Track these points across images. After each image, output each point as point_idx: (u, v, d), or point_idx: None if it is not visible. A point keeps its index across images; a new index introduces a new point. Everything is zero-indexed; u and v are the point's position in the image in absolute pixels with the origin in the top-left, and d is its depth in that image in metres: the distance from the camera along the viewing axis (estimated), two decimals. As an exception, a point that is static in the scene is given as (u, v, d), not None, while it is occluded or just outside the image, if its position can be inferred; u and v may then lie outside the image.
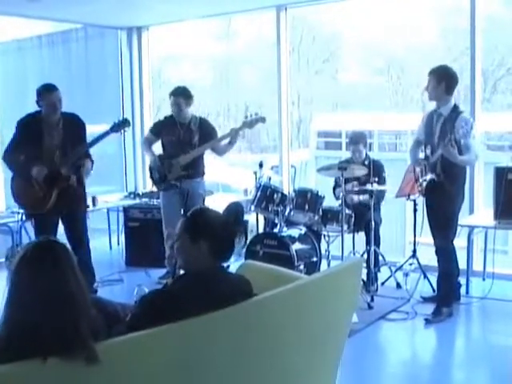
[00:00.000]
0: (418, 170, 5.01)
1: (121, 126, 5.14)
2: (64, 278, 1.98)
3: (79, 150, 4.97)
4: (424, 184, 4.93)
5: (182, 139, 5.81)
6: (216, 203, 6.65)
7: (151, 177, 6.05)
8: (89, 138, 5.20)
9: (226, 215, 2.69)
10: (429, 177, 4.85)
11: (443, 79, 4.81)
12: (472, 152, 4.79)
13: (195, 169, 5.84)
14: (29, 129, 5.05)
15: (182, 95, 5.79)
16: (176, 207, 5.76)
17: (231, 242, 2.55)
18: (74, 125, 5.12)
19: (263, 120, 5.72)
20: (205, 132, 5.86)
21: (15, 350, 1.85)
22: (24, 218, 5.64)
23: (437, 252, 5.01)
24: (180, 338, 2.16)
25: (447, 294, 5.03)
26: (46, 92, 5.01)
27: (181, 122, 5.84)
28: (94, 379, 1.92)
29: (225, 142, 5.84)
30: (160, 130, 6.00)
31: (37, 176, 4.95)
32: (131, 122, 8.40)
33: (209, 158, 6.12)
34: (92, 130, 5.44)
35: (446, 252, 4.96)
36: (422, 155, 5.04)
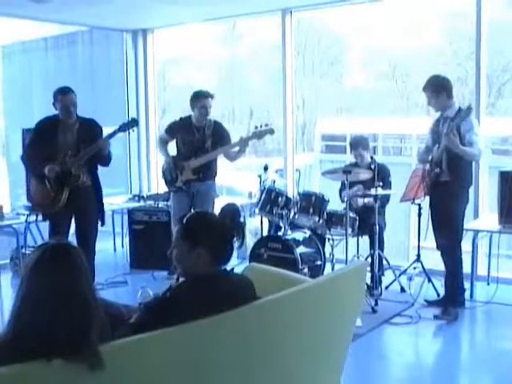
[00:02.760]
0: (424, 170, 5.04)
1: (129, 125, 5.20)
2: (79, 282, 2.00)
3: (90, 150, 5.00)
4: (429, 182, 4.95)
5: (196, 143, 5.88)
6: (221, 206, 6.67)
7: (164, 177, 6.10)
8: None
9: (221, 217, 2.63)
10: (433, 172, 4.88)
11: (443, 89, 4.90)
12: (475, 147, 4.81)
13: (206, 172, 5.91)
14: (45, 130, 5.15)
15: (212, 97, 5.84)
16: (185, 208, 5.82)
17: (229, 245, 2.52)
18: (90, 128, 5.16)
19: (272, 132, 5.76)
20: (218, 137, 5.91)
21: (23, 350, 1.85)
22: (40, 218, 5.67)
23: (442, 253, 5.02)
24: (184, 340, 2.16)
25: (454, 295, 5.04)
26: (60, 94, 5.09)
27: (197, 126, 5.89)
28: (98, 381, 1.92)
29: (234, 150, 5.89)
30: (176, 131, 6.05)
31: (48, 175, 5.03)
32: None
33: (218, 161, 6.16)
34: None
35: (451, 253, 4.97)
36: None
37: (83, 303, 1.97)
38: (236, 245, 6.40)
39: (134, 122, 5.26)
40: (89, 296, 2.01)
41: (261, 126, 5.73)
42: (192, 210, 5.67)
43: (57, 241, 2.14)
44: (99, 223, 5.42)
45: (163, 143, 6.15)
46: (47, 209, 5.18)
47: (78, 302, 1.96)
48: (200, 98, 5.82)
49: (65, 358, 1.85)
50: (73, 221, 5.34)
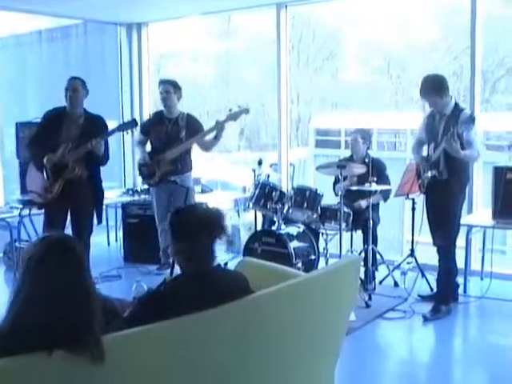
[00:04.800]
0: (420, 167, 5.03)
1: (128, 125, 5.27)
2: (83, 275, 2.03)
3: (83, 148, 5.01)
4: (426, 181, 4.93)
5: (170, 134, 5.94)
6: (215, 201, 6.67)
7: (140, 174, 6.13)
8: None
9: (205, 218, 2.57)
10: (429, 174, 4.85)
11: (447, 89, 4.80)
12: (474, 148, 4.78)
13: (184, 164, 5.94)
14: (50, 121, 5.20)
15: (170, 83, 5.95)
16: (166, 202, 5.90)
17: (206, 246, 2.48)
18: (95, 124, 5.17)
19: (247, 111, 5.83)
20: (192, 127, 5.96)
21: (25, 342, 1.85)
22: (34, 211, 5.68)
23: (438, 250, 5.01)
24: (179, 334, 2.16)
25: (446, 291, 5.04)
26: (67, 79, 5.18)
27: (168, 118, 5.95)
28: (95, 374, 1.92)
29: (210, 136, 5.90)
30: (149, 127, 6.13)
31: (46, 164, 5.07)
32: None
33: (211, 156, 6.17)
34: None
35: (446, 250, 4.96)
36: (424, 153, 5.04)
37: (87, 295, 2.00)
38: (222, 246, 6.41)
39: (133, 123, 5.32)
40: (91, 288, 2.04)
41: (235, 108, 5.80)
42: (171, 204, 5.83)
43: (62, 234, 2.15)
44: (95, 220, 5.41)
45: (141, 144, 6.21)
46: (40, 197, 5.20)
47: (83, 295, 1.98)
48: (159, 85, 6.02)
49: (67, 350, 1.86)
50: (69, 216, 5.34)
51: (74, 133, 5.13)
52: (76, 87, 5.12)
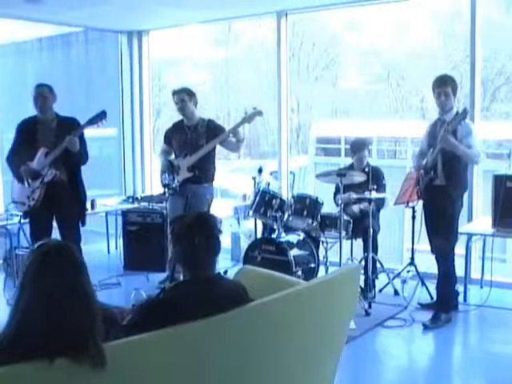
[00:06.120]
0: (419, 174, 5.03)
1: (97, 118, 5.17)
2: (82, 280, 2.02)
3: (59, 149, 5.01)
4: (423, 187, 4.93)
5: (189, 141, 5.83)
6: (215, 209, 6.66)
7: (161, 180, 6.07)
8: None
9: (193, 226, 2.55)
10: (427, 177, 4.85)
11: (457, 87, 4.84)
12: (474, 149, 4.77)
13: (203, 173, 5.80)
14: (25, 131, 5.22)
15: (184, 91, 5.86)
16: (179, 211, 5.80)
17: (201, 252, 2.47)
18: (68, 125, 5.15)
19: (260, 113, 5.76)
20: (212, 133, 5.83)
21: (26, 350, 1.85)
22: (21, 218, 5.67)
23: (437, 257, 5.01)
24: (179, 341, 2.16)
25: (446, 299, 5.03)
26: (35, 88, 5.19)
27: (188, 126, 5.87)
28: (97, 382, 1.92)
29: (233, 139, 5.84)
30: (171, 136, 6.03)
31: (24, 172, 5.09)
32: (131, 125, 8.48)
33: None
34: (91, 133, 5.46)
35: (445, 257, 4.96)
36: (424, 162, 5.03)
37: (88, 301, 2.00)
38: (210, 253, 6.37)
39: (103, 115, 5.21)
40: (91, 294, 2.03)
41: (250, 111, 5.75)
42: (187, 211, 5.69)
43: (58, 241, 2.15)
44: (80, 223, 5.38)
45: (164, 154, 6.12)
46: (25, 205, 5.18)
47: (83, 300, 1.98)
48: (173, 95, 5.90)
49: (69, 357, 1.86)
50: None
51: (49, 137, 5.13)
52: (45, 94, 5.14)
